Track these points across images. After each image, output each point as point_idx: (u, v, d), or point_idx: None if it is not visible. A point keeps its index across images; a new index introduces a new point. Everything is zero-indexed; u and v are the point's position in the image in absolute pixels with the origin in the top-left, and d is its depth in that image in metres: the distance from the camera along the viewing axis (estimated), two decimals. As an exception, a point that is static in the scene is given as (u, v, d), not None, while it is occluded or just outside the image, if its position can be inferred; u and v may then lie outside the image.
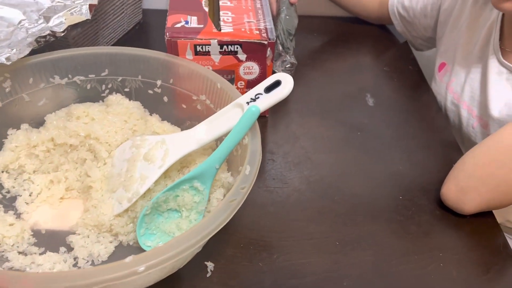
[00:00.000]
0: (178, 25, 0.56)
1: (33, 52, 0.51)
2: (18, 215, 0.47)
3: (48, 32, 0.52)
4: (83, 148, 0.50)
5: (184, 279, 0.44)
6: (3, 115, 0.51)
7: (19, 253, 0.44)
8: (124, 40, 0.77)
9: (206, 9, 0.60)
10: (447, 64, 0.71)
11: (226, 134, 0.44)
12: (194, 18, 0.57)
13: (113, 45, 0.75)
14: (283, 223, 0.50)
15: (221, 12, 0.59)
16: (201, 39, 0.54)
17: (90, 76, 0.54)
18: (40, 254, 0.44)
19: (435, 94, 0.73)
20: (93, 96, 0.55)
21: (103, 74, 0.54)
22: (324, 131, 0.64)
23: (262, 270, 0.45)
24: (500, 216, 0.55)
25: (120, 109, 0.52)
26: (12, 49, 0.49)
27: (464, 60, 0.67)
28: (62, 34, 0.53)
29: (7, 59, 0.47)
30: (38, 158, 0.51)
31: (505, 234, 0.52)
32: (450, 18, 0.70)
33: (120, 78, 0.55)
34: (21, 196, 0.49)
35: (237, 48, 0.55)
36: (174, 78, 0.54)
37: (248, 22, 0.58)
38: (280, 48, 0.68)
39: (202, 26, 0.56)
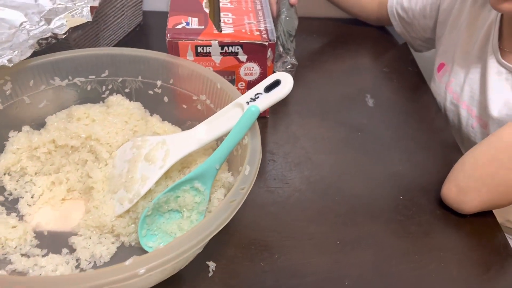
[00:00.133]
0: (179, 27, 0.56)
1: (34, 54, 0.51)
2: (21, 217, 0.48)
3: (49, 34, 0.52)
4: (84, 149, 0.50)
5: (186, 279, 0.44)
6: (4, 117, 0.51)
7: (22, 255, 0.44)
8: (125, 42, 0.77)
9: (207, 10, 0.60)
10: (446, 64, 0.71)
11: (226, 134, 0.44)
12: (195, 20, 0.57)
13: (113, 46, 0.75)
14: (284, 223, 0.51)
15: (221, 14, 0.60)
16: (202, 40, 0.54)
17: (90, 77, 0.54)
18: (43, 256, 0.44)
19: (435, 95, 0.73)
20: (94, 97, 0.55)
21: (103, 75, 0.55)
22: (324, 132, 0.64)
23: (263, 270, 0.46)
24: (500, 216, 0.56)
25: (121, 110, 0.53)
26: (14, 51, 0.49)
27: (463, 60, 0.67)
28: (64, 36, 0.53)
29: (9, 61, 0.48)
30: (39, 160, 0.51)
31: (505, 234, 0.52)
32: (449, 18, 0.71)
33: (120, 79, 0.55)
34: (23, 198, 0.49)
35: (237, 49, 0.56)
36: (174, 78, 0.54)
37: (249, 23, 0.58)
38: (281, 49, 0.68)
39: (203, 27, 0.56)
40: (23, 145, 0.50)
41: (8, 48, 0.49)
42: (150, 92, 0.55)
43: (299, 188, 0.55)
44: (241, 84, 0.59)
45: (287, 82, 0.44)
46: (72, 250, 0.45)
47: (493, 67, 0.61)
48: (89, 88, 0.55)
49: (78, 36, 0.64)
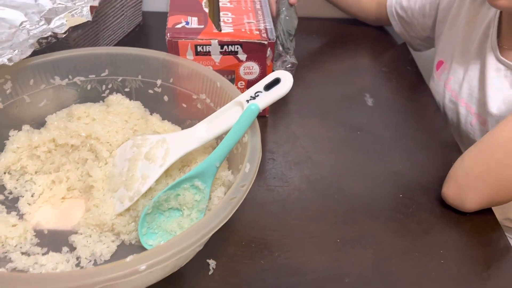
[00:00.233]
0: (179, 26, 0.56)
1: (34, 54, 0.51)
2: (21, 216, 0.48)
3: (49, 33, 0.52)
4: (84, 148, 0.50)
5: (186, 277, 0.44)
6: (4, 116, 0.51)
7: (22, 253, 0.44)
8: (124, 42, 0.78)
9: (206, 10, 0.60)
10: (444, 62, 0.71)
11: (226, 133, 0.45)
12: (195, 19, 0.58)
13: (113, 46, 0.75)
14: (284, 221, 0.51)
15: (221, 13, 0.60)
16: (202, 39, 0.55)
17: (90, 76, 0.54)
18: (43, 254, 0.44)
19: (434, 93, 0.73)
20: (94, 96, 0.55)
21: (103, 74, 0.55)
22: (324, 131, 0.64)
23: (263, 268, 0.46)
24: (500, 213, 0.56)
25: (121, 109, 0.53)
26: (14, 50, 0.49)
27: (462, 58, 0.67)
28: (64, 36, 0.53)
29: (9, 60, 0.48)
30: (39, 158, 0.51)
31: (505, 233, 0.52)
32: (448, 17, 0.71)
33: (120, 78, 0.55)
34: (23, 197, 0.49)
35: (237, 48, 0.56)
36: (174, 77, 0.54)
37: (248, 22, 0.58)
38: (280, 48, 0.68)
39: (202, 26, 0.56)
40: (23, 144, 0.50)
41: (8, 48, 0.49)
42: (150, 91, 0.56)
43: (299, 187, 0.55)
44: (241, 83, 0.60)
45: (286, 80, 0.44)
46: (72, 248, 0.45)
47: (492, 64, 0.62)
48: (89, 87, 0.55)
49: (78, 36, 0.64)
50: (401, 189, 0.56)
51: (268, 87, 0.45)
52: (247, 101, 0.45)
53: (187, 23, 0.57)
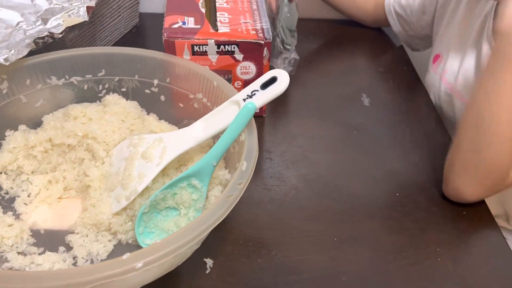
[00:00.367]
0: (176, 26, 0.56)
1: (30, 54, 0.51)
2: (17, 216, 0.48)
3: (46, 33, 0.52)
4: (81, 148, 0.50)
5: (184, 276, 0.44)
6: (1, 116, 0.51)
7: (19, 253, 0.44)
8: (121, 43, 0.78)
9: (203, 10, 0.60)
10: (441, 56, 0.71)
11: (223, 131, 0.45)
12: (191, 19, 0.58)
13: (110, 47, 0.75)
14: (281, 220, 0.51)
15: (217, 13, 0.60)
16: (199, 39, 0.55)
17: (87, 76, 0.54)
18: (40, 254, 0.44)
19: (429, 87, 0.73)
20: (90, 96, 0.55)
21: (100, 74, 0.55)
22: (321, 131, 0.64)
23: (260, 267, 0.46)
24: (499, 208, 0.56)
25: (117, 109, 0.53)
26: (11, 50, 0.49)
27: (458, 51, 0.67)
28: (60, 36, 0.53)
29: (5, 60, 0.48)
30: (36, 158, 0.51)
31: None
32: (447, 12, 0.71)
33: (117, 78, 0.55)
34: (19, 197, 0.49)
35: (234, 48, 0.56)
36: (170, 77, 0.54)
37: (245, 22, 0.58)
38: (280, 46, 0.68)
39: (199, 26, 0.56)
40: (20, 144, 0.50)
41: (4, 47, 0.49)
42: (147, 91, 0.56)
43: (296, 186, 0.55)
44: (238, 83, 0.60)
45: (283, 79, 0.44)
46: (69, 248, 0.45)
47: (487, 54, 0.62)
48: (85, 87, 0.55)
49: (75, 36, 0.64)
50: (398, 188, 0.56)
51: (265, 85, 0.45)
52: (244, 100, 0.45)
53: (184, 23, 0.57)
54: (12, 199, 0.49)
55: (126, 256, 0.32)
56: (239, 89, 0.59)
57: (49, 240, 0.46)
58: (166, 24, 0.57)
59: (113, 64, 0.54)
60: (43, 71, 0.52)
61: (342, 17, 0.91)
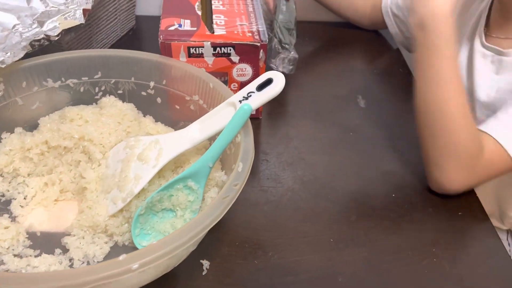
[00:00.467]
0: (172, 28, 0.56)
1: (26, 56, 0.51)
2: (13, 218, 0.47)
3: (42, 36, 0.52)
4: (77, 150, 0.50)
5: (180, 277, 0.44)
6: (-3, 119, 0.51)
7: (15, 255, 0.44)
8: (118, 46, 0.78)
9: (199, 12, 0.61)
10: None
11: (219, 133, 0.45)
12: (187, 22, 0.58)
13: (106, 50, 0.75)
14: (278, 221, 0.51)
15: (213, 16, 0.60)
16: (195, 41, 0.55)
17: (83, 78, 0.55)
18: (36, 256, 0.44)
19: None
20: (87, 98, 0.56)
21: (96, 76, 0.55)
22: (317, 132, 0.64)
23: (257, 268, 0.46)
24: (491, 205, 0.56)
25: (114, 111, 0.53)
26: (7, 53, 0.49)
27: None
28: (56, 38, 0.53)
29: (2, 62, 0.48)
30: (32, 161, 0.51)
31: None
32: None
33: (113, 80, 0.55)
34: (15, 199, 0.49)
35: (230, 50, 0.56)
36: (167, 79, 0.54)
37: (241, 25, 0.59)
38: (278, 46, 0.68)
39: (195, 29, 0.57)
40: (16, 146, 0.50)
41: (0, 50, 0.49)
42: (143, 93, 0.56)
43: (292, 187, 0.55)
44: (234, 85, 0.60)
45: (279, 80, 0.44)
46: (65, 250, 0.45)
47: (479, 51, 0.62)
48: (82, 89, 0.55)
49: (71, 39, 0.64)
50: (394, 189, 0.56)
51: (261, 87, 0.45)
52: (240, 101, 0.45)
53: (180, 25, 0.57)
54: (8, 202, 0.49)
55: (122, 257, 0.32)
56: (235, 91, 0.59)
57: (45, 242, 0.46)
58: (162, 26, 0.57)
59: (109, 67, 0.54)
60: (39, 73, 0.53)
61: (339, 19, 0.91)
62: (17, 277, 0.32)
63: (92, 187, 0.48)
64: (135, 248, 0.44)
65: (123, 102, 0.55)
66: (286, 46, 0.68)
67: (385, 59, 0.85)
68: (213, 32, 0.57)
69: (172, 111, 0.56)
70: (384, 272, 0.47)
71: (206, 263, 0.45)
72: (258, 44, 0.56)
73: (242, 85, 0.60)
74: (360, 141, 0.63)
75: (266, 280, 0.45)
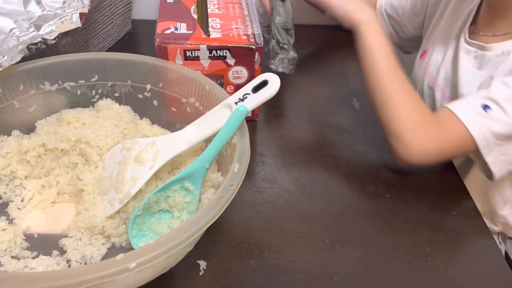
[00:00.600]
0: (168, 31, 0.57)
1: (23, 60, 0.51)
2: (11, 221, 0.48)
3: (39, 39, 0.53)
4: (74, 153, 0.50)
5: (177, 278, 0.44)
6: (-6, 122, 0.51)
7: (12, 257, 0.44)
8: (114, 50, 0.78)
9: (195, 16, 0.61)
10: (428, 51, 0.73)
11: (215, 134, 0.45)
12: (183, 25, 0.59)
13: (103, 54, 0.75)
14: (274, 222, 0.51)
15: (209, 19, 0.61)
16: (191, 44, 0.55)
17: (80, 82, 0.55)
18: (33, 258, 0.44)
19: (414, 82, 0.75)
20: (84, 101, 0.56)
21: (93, 79, 0.55)
22: (312, 134, 0.65)
23: (253, 268, 0.46)
24: (482, 205, 0.56)
25: (110, 114, 0.53)
26: (4, 56, 0.49)
27: (442, 45, 0.69)
28: (53, 42, 0.54)
29: (-1, 65, 0.48)
30: (29, 163, 0.51)
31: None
32: (437, 10, 0.73)
33: (110, 83, 0.56)
34: (13, 201, 0.49)
35: (225, 53, 0.57)
36: (163, 82, 0.55)
37: (236, 28, 0.59)
38: (276, 47, 0.68)
39: (191, 32, 0.57)
40: (13, 149, 0.51)
41: (-2, 53, 0.50)
42: (140, 96, 0.56)
43: (288, 188, 0.56)
44: (230, 87, 0.60)
45: (274, 82, 0.45)
46: (62, 251, 0.45)
47: (463, 47, 0.63)
48: (79, 92, 0.55)
49: (68, 43, 0.65)
50: (388, 189, 0.56)
51: (256, 89, 0.45)
52: (236, 103, 0.46)
53: (176, 28, 0.58)
54: (6, 204, 0.49)
55: (119, 256, 0.32)
56: (231, 94, 0.60)
57: (43, 244, 0.46)
58: (158, 29, 0.57)
59: (106, 70, 0.55)
60: (36, 76, 0.53)
61: (334, 22, 0.91)
62: (15, 277, 0.32)
63: (89, 189, 0.48)
64: (132, 249, 0.45)
65: (119, 104, 0.56)
66: (285, 46, 0.68)
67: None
68: (209, 35, 0.57)
69: (168, 114, 0.56)
70: (379, 271, 0.47)
71: (203, 264, 0.45)
72: (254, 47, 0.57)
73: (238, 87, 0.60)
74: (355, 142, 0.64)
75: (263, 280, 0.45)
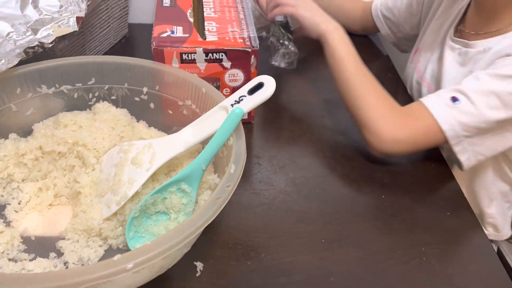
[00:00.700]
0: (164, 35, 0.57)
1: (20, 63, 0.52)
2: (8, 223, 0.48)
3: (36, 43, 0.53)
4: (71, 155, 0.50)
5: (174, 279, 0.44)
6: (-9, 125, 0.52)
7: (9, 260, 0.44)
8: (111, 53, 0.78)
9: (191, 19, 0.62)
10: (419, 49, 0.74)
11: (212, 136, 0.45)
12: (180, 28, 0.59)
13: (100, 57, 0.76)
14: (270, 223, 0.51)
15: (205, 23, 0.61)
16: (187, 47, 0.56)
17: (77, 85, 0.55)
18: (30, 260, 0.44)
19: (405, 79, 0.76)
20: (81, 104, 0.56)
21: (90, 82, 0.55)
22: (308, 136, 0.65)
23: (250, 269, 0.46)
24: (473, 207, 0.57)
25: (107, 117, 0.53)
26: (1, 60, 0.50)
27: (432, 43, 0.70)
28: (50, 45, 0.54)
29: (-4, 69, 0.48)
30: (26, 166, 0.51)
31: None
32: (431, 10, 0.73)
33: (106, 86, 0.56)
34: (10, 204, 0.49)
35: (222, 55, 0.57)
36: (160, 84, 0.55)
37: (232, 31, 0.60)
38: (276, 43, 0.69)
39: (187, 35, 0.58)
40: (10, 152, 0.51)
41: (-5, 57, 0.50)
42: (137, 98, 0.56)
43: (284, 190, 0.56)
44: (226, 90, 0.61)
45: (269, 84, 0.45)
46: (59, 254, 0.45)
47: (449, 44, 0.65)
48: (76, 95, 0.56)
49: (65, 46, 0.65)
50: (384, 190, 0.57)
51: (252, 91, 0.46)
52: (232, 105, 0.46)
53: (173, 32, 0.58)
54: (3, 207, 0.49)
55: (117, 257, 0.33)
56: (227, 96, 0.60)
57: (40, 246, 0.46)
58: (155, 33, 0.58)
59: (102, 73, 0.55)
60: (33, 80, 0.53)
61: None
62: (13, 277, 0.32)
63: (86, 191, 0.48)
64: (129, 251, 0.45)
65: (116, 107, 0.56)
66: (285, 42, 0.69)
67: (375, 64, 0.86)
68: (205, 39, 0.58)
69: (165, 116, 0.56)
70: (375, 271, 0.47)
71: (199, 265, 0.45)
72: (250, 50, 0.57)
73: (234, 90, 0.61)
74: (351, 144, 0.64)
75: (259, 281, 0.46)
